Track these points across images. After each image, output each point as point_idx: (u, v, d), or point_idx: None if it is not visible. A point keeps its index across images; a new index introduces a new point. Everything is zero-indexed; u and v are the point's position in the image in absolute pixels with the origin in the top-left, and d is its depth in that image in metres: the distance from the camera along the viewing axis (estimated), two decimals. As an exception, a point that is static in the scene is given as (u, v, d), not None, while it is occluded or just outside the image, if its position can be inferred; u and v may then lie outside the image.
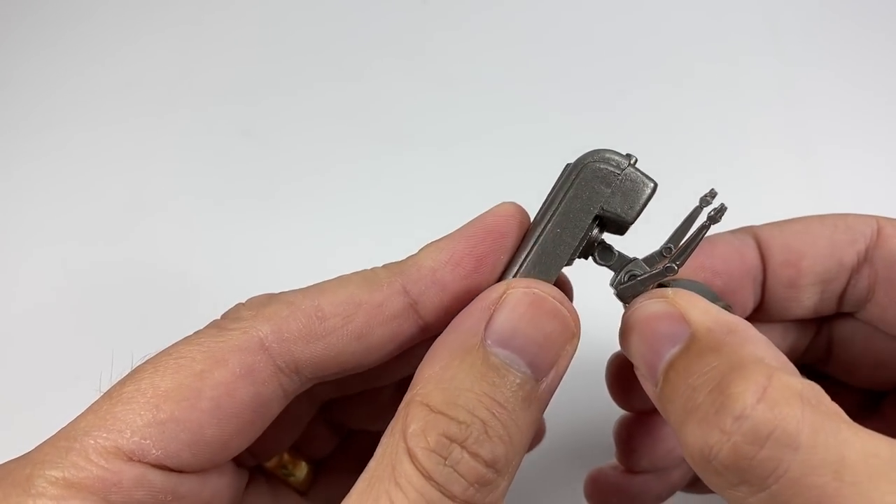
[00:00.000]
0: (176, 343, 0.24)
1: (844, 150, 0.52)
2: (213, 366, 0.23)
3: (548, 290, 0.23)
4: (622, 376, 0.32)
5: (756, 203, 0.46)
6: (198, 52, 0.58)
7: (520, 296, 0.23)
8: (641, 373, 0.23)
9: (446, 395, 0.21)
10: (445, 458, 0.20)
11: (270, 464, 0.31)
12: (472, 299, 0.24)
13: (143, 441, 0.22)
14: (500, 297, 0.23)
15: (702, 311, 0.22)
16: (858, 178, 0.50)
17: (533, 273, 0.25)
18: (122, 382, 0.23)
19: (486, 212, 0.26)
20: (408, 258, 0.26)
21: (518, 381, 0.22)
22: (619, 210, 0.25)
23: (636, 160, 0.26)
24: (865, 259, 0.27)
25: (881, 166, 0.51)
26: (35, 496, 0.21)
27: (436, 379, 0.22)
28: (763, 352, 0.21)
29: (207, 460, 0.24)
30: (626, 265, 0.26)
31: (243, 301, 0.26)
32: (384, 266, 0.26)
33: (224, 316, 0.25)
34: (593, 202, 0.25)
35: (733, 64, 0.56)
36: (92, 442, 0.22)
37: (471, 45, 0.58)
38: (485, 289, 0.25)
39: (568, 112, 0.54)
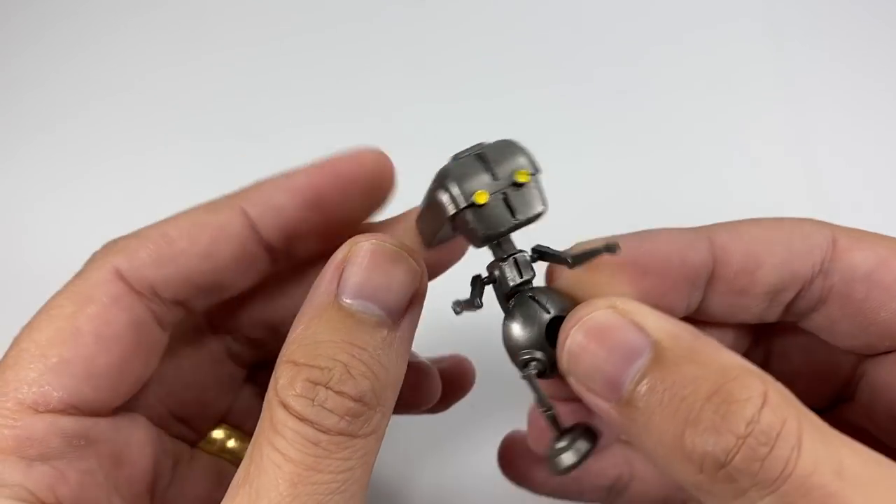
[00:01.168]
0: (44, 303, 0.26)
1: (844, 148, 0.52)
2: (83, 304, 0.25)
3: (390, 240, 0.25)
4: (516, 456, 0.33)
5: (754, 200, 0.47)
6: (197, 51, 0.58)
7: (363, 248, 0.24)
8: (595, 389, 0.22)
9: (308, 350, 0.23)
10: (313, 400, 0.22)
11: (212, 449, 0.32)
12: (318, 233, 0.27)
13: (42, 388, 0.24)
14: (346, 255, 0.24)
15: (655, 318, 0.22)
16: (856, 175, 0.50)
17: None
18: (6, 353, 0.25)
19: (345, 153, 0.28)
20: (255, 182, 0.28)
21: (374, 324, 0.23)
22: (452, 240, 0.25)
23: (483, 202, 0.23)
24: (820, 271, 0.26)
25: (878, 162, 0.51)
26: None
27: (298, 340, 0.23)
28: (738, 357, 0.21)
29: (109, 394, 0.25)
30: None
31: None
32: (232, 192, 0.28)
33: (82, 267, 0.27)
34: (438, 220, 0.24)
35: (732, 60, 0.56)
36: None
37: (470, 44, 0.58)
38: (333, 228, 0.27)
39: (567, 110, 0.53)
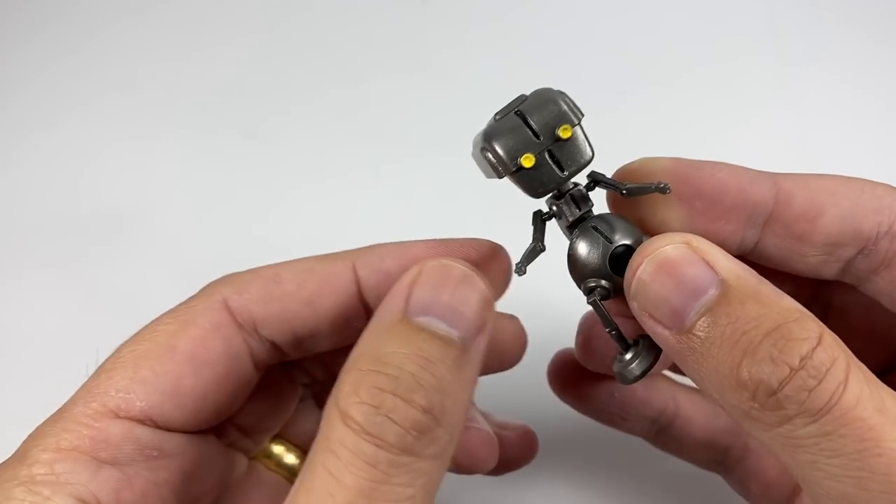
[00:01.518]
0: (153, 320, 0.27)
1: (842, 146, 0.51)
2: (185, 326, 0.26)
3: (462, 262, 0.24)
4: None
5: None
6: (198, 52, 0.58)
7: (434, 267, 0.24)
8: (658, 317, 0.23)
9: (375, 357, 0.22)
10: (379, 407, 0.20)
11: (270, 464, 0.32)
12: None
13: (127, 395, 0.24)
14: (416, 275, 0.24)
15: (725, 259, 0.23)
16: (855, 172, 0.49)
17: None
18: (105, 361, 0.26)
19: (463, 238, 0.27)
20: (371, 244, 0.28)
21: (444, 342, 0.22)
22: None
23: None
24: (887, 233, 0.25)
25: (879, 161, 0.50)
26: (30, 465, 0.23)
27: (364, 350, 0.23)
28: (797, 303, 0.22)
29: (189, 415, 0.26)
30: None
31: None
32: (347, 249, 0.28)
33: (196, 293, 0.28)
34: (491, 174, 0.26)
35: (731, 58, 0.55)
36: (79, 409, 0.24)
37: (471, 45, 0.57)
38: None
39: None
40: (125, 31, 0.59)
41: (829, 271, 0.27)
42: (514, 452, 0.35)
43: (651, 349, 0.25)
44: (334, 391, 0.22)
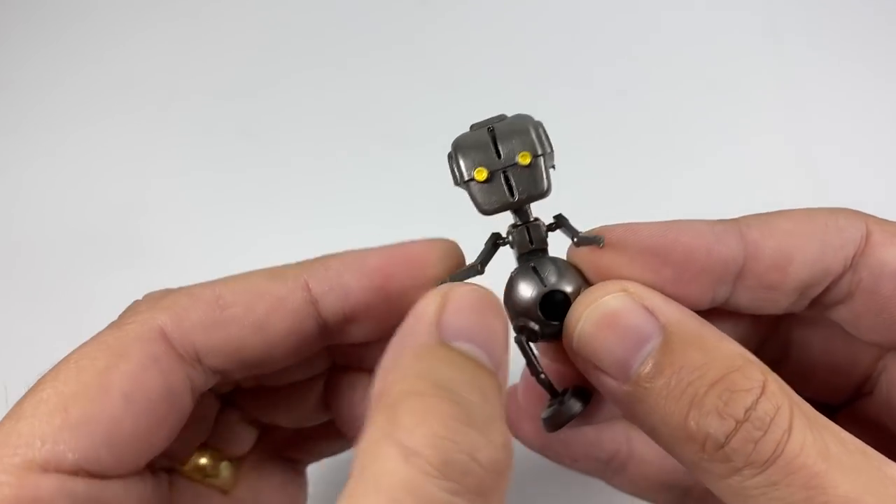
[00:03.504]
0: (74, 350, 0.23)
1: (841, 148, 0.52)
2: (117, 360, 0.23)
3: (486, 290, 0.23)
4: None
5: (754, 195, 0.48)
6: (197, 51, 0.58)
7: (462, 293, 0.22)
8: (604, 369, 0.23)
9: (433, 380, 0.20)
10: (458, 443, 0.18)
11: (188, 468, 0.29)
12: (380, 313, 0.25)
13: (56, 447, 0.21)
14: (444, 299, 0.22)
15: (665, 304, 0.23)
16: (854, 174, 0.50)
17: None
18: (22, 399, 0.22)
19: (420, 241, 0.26)
20: (320, 256, 0.26)
21: (488, 371, 0.21)
22: None
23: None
24: (850, 266, 0.25)
25: (878, 164, 0.51)
26: None
27: (412, 370, 0.20)
28: (739, 346, 0.22)
29: (128, 461, 0.23)
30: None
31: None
32: (295, 262, 0.26)
33: (121, 315, 0.25)
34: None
35: (731, 59, 0.56)
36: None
37: (470, 45, 0.58)
38: (392, 316, 0.23)
39: (567, 111, 0.53)
40: (127, 32, 0.59)
41: (796, 308, 0.26)
42: None
43: (577, 399, 0.25)
44: (380, 418, 0.19)
